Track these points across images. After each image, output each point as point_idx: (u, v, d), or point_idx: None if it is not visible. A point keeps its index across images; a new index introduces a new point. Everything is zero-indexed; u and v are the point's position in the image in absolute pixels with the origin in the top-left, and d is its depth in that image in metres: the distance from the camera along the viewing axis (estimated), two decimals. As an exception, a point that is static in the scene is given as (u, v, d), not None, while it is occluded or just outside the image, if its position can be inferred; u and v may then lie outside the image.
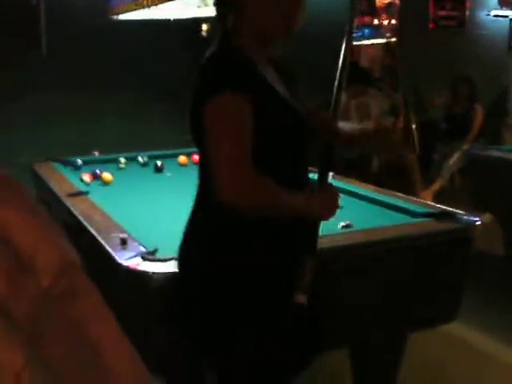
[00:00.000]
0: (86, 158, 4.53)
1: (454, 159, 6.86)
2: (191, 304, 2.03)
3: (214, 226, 1.98)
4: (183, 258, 2.07)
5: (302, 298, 1.89)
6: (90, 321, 0.72)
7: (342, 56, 2.16)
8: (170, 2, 3.03)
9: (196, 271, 2.02)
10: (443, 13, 7.98)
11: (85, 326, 0.71)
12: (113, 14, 3.75)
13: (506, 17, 8.38)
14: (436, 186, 6.83)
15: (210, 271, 1.96)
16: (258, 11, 1.91)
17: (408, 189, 6.53)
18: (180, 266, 2.08)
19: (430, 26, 7.95)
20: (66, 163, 4.40)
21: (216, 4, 1.99)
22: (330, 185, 2.06)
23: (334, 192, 2.01)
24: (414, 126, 7.24)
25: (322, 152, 2.07)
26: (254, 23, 1.93)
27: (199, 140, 1.91)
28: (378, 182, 6.50)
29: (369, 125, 6.56)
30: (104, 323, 0.74)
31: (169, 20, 3.96)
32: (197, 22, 6.02)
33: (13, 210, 0.68)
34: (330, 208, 1.98)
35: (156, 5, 3.08)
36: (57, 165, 4.32)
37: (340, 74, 2.12)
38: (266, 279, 1.92)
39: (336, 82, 2.11)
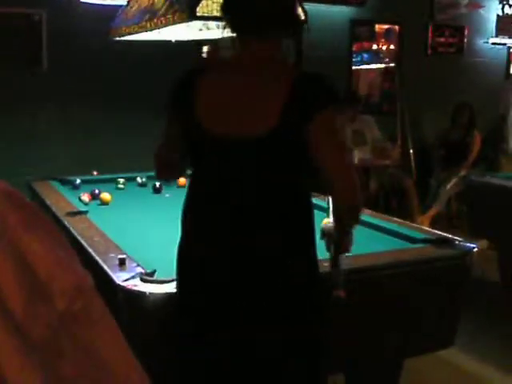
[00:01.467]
0: (85, 177, 4.54)
1: (451, 185, 6.89)
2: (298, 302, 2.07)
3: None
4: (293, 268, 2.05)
5: (341, 293, 2.08)
6: (103, 343, 0.73)
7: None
8: (173, 25, 3.05)
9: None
10: (442, 40, 8.05)
11: (98, 348, 0.72)
12: (114, 36, 3.76)
13: (504, 45, 8.45)
14: (433, 211, 6.85)
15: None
16: None
17: (405, 213, 6.56)
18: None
19: (429, 52, 8.00)
20: (65, 182, 4.41)
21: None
22: None
23: None
24: (411, 151, 7.29)
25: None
26: None
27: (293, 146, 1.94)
28: (376, 204, 6.54)
29: (365, 150, 6.62)
30: (116, 346, 0.75)
31: (170, 41, 3.98)
32: (198, 43, 6.07)
33: (34, 235, 0.70)
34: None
35: (159, 28, 3.10)
36: (55, 183, 4.33)
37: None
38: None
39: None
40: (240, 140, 1.96)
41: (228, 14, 2.04)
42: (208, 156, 2.08)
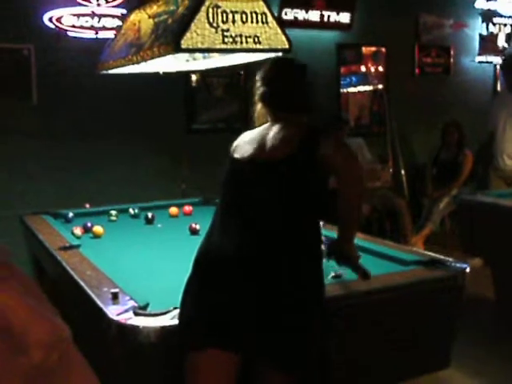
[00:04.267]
0: (77, 210, 4.54)
1: (444, 204, 6.90)
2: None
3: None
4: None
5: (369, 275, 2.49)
6: None
7: None
8: (160, 57, 3.08)
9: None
10: (429, 60, 8.12)
11: None
12: (102, 70, 3.79)
13: (490, 63, 8.53)
14: (426, 230, 6.86)
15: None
16: None
17: (399, 233, 6.57)
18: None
19: (416, 72, 8.08)
20: (57, 216, 4.41)
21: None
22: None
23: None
24: (402, 172, 7.32)
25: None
26: None
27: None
28: (369, 226, 6.55)
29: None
30: None
31: (158, 73, 4.00)
32: (186, 73, 6.11)
33: (8, 288, 0.70)
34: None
35: (146, 61, 3.13)
36: (47, 217, 4.33)
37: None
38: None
39: None
40: (264, 162, 2.42)
41: (267, 101, 2.58)
42: (237, 176, 2.50)
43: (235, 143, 2.61)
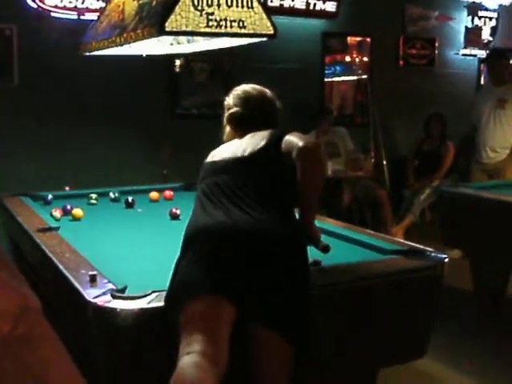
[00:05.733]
0: (57, 192, 4.51)
1: (425, 195, 6.93)
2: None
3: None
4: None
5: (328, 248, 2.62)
6: (48, 366, 0.72)
7: None
8: (143, 40, 3.05)
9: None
10: (413, 51, 8.13)
11: (42, 370, 0.71)
12: (85, 51, 3.75)
13: (475, 56, 8.56)
14: (406, 221, 6.89)
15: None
16: None
17: (379, 224, 6.59)
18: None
19: (401, 63, 8.08)
20: (36, 198, 4.38)
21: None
22: None
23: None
24: (384, 162, 7.33)
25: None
26: None
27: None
28: (349, 215, 6.57)
29: (339, 162, 6.66)
30: (61, 367, 0.74)
31: (141, 55, 3.97)
32: (170, 57, 6.07)
33: None
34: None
35: (129, 43, 3.10)
36: (26, 199, 4.30)
37: None
38: None
39: None
40: (247, 155, 2.63)
41: (234, 124, 2.85)
42: (214, 174, 2.66)
43: (212, 153, 2.81)
